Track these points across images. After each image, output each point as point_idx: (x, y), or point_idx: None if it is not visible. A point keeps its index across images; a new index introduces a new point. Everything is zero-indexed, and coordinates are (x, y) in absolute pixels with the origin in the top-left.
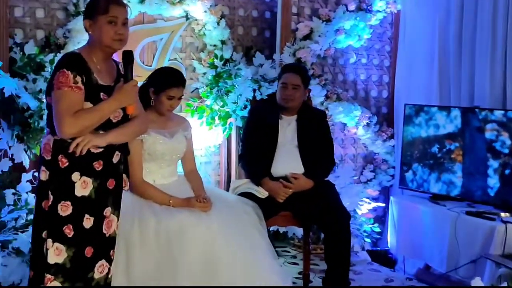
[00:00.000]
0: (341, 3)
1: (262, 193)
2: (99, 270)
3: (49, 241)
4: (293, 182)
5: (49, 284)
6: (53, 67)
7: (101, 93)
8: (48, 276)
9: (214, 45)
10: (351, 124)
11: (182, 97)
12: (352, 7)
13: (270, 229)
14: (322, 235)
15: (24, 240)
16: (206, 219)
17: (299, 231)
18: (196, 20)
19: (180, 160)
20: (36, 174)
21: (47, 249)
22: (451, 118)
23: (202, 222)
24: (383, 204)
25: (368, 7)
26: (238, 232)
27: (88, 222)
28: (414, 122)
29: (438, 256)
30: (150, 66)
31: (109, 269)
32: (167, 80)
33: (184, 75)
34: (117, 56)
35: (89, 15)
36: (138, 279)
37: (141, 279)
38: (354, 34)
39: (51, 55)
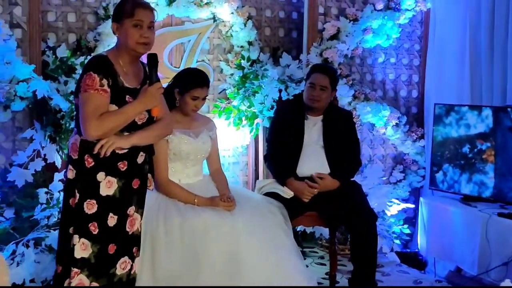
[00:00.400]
0: (369, 2)
1: (287, 193)
2: (122, 266)
3: (76, 236)
4: (319, 182)
5: (75, 277)
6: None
7: (127, 96)
8: (75, 269)
9: (241, 46)
10: (379, 124)
11: (207, 97)
12: (380, 6)
13: (297, 229)
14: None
15: (56, 237)
16: (230, 218)
17: (326, 232)
18: (223, 21)
19: (205, 160)
20: None
21: (73, 244)
22: (483, 118)
23: (226, 221)
24: (413, 205)
25: (397, 6)
26: (263, 232)
27: (112, 220)
28: (445, 122)
29: (469, 258)
30: (178, 67)
31: (131, 265)
32: (192, 81)
33: (212, 76)
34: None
35: (116, 19)
36: (163, 277)
37: (166, 276)
38: (382, 33)
39: (82, 58)
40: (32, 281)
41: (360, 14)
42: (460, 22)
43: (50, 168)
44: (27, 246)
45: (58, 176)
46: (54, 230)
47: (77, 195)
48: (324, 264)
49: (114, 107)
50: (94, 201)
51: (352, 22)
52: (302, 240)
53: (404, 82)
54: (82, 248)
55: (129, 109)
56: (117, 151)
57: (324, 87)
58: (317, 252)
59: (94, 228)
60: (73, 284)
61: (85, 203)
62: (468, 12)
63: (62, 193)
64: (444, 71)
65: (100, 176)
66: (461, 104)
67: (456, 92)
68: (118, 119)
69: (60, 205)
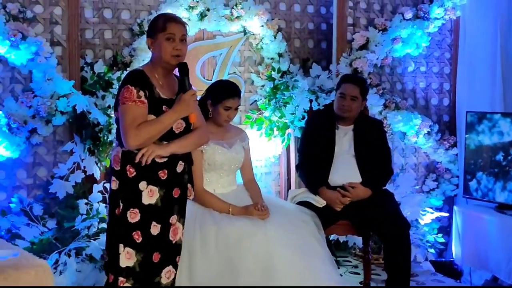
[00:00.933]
0: (398, 11)
1: (320, 202)
2: (167, 275)
3: (121, 246)
4: (351, 191)
5: (122, 286)
6: (120, 84)
7: (164, 106)
8: (121, 278)
9: (272, 58)
10: (411, 133)
11: (239, 108)
12: (409, 15)
13: (331, 239)
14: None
15: (96, 247)
16: (264, 227)
17: (360, 241)
18: (253, 34)
19: (239, 170)
20: (106, 185)
21: (119, 253)
22: None
23: (260, 230)
24: (447, 214)
25: (426, 15)
26: (296, 240)
27: (155, 229)
28: (477, 129)
29: (506, 267)
30: (211, 80)
31: (175, 274)
32: (223, 92)
33: (243, 88)
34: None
35: (150, 34)
36: (200, 284)
37: (203, 284)
38: (412, 42)
39: (118, 73)
40: None
41: (389, 23)
42: (490, 29)
43: (90, 180)
44: (69, 256)
45: (97, 187)
46: (95, 240)
47: (121, 204)
48: (358, 273)
49: (152, 117)
50: (137, 210)
51: (381, 32)
52: (335, 249)
53: (435, 90)
54: (126, 257)
55: (165, 118)
56: (157, 160)
57: (354, 97)
58: (350, 262)
59: (137, 237)
60: None
61: (128, 212)
62: (498, 19)
63: (101, 204)
64: (476, 78)
65: (142, 185)
66: (494, 111)
67: (488, 100)
68: (155, 128)
69: (100, 215)
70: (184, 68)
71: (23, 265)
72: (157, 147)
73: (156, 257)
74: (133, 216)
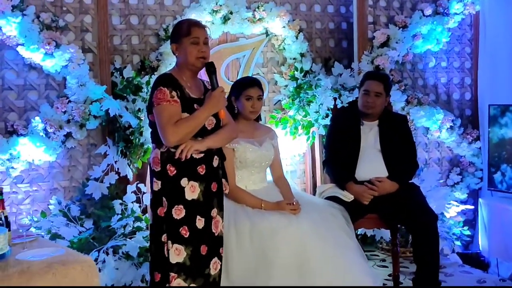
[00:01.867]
0: (417, 8)
1: (347, 196)
2: (214, 266)
3: (169, 243)
4: (377, 185)
5: (173, 282)
6: (149, 88)
7: (195, 104)
8: (172, 274)
9: (294, 58)
10: (434, 128)
11: (262, 98)
12: (428, 11)
13: (358, 233)
14: (410, 238)
15: (132, 245)
16: (296, 221)
17: (387, 235)
18: (275, 35)
19: (268, 168)
20: (140, 185)
21: (168, 250)
22: None
23: (293, 224)
24: (472, 207)
25: (445, 11)
26: (327, 233)
27: (200, 222)
28: (500, 122)
29: None
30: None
31: (221, 265)
32: (242, 83)
33: (267, 88)
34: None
35: (174, 39)
36: (236, 277)
37: (240, 277)
38: (432, 38)
39: (146, 77)
40: (112, 286)
41: (409, 20)
42: (510, 22)
43: (123, 181)
44: (107, 254)
45: (130, 188)
46: (131, 238)
47: (165, 203)
48: (386, 267)
49: (185, 114)
50: (182, 206)
51: (401, 29)
52: (363, 243)
53: (457, 85)
54: (176, 253)
55: (199, 114)
56: (194, 156)
57: (378, 93)
58: (378, 256)
59: (185, 232)
60: None
61: (173, 209)
62: None
63: (134, 204)
64: (497, 72)
65: (184, 182)
66: None
67: (510, 92)
68: (191, 125)
69: (135, 214)
70: (211, 67)
71: (70, 261)
72: (194, 142)
73: (203, 249)
74: (179, 212)
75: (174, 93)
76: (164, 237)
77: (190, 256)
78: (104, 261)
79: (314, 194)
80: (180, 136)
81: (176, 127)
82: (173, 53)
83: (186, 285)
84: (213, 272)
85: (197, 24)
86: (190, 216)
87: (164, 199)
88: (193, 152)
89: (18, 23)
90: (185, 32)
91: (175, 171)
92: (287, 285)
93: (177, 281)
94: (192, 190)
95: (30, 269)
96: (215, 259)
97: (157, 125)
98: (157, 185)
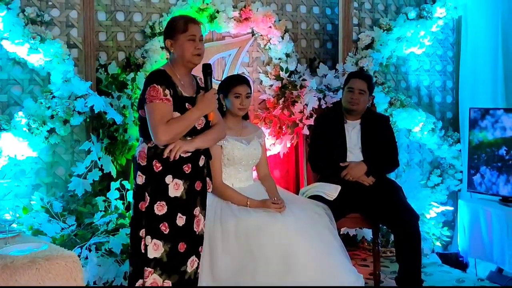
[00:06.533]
0: (401, 12)
1: (330, 195)
2: (191, 264)
3: (148, 237)
4: (346, 171)
5: (149, 277)
6: (134, 85)
7: (186, 103)
8: (149, 269)
9: (279, 58)
10: (416, 130)
11: (250, 95)
12: (412, 15)
13: (341, 232)
14: (392, 238)
15: (115, 242)
16: (281, 218)
17: (368, 235)
18: (261, 35)
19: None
20: (123, 182)
21: (146, 245)
22: None
23: (278, 221)
24: (452, 208)
25: (429, 15)
26: (311, 231)
27: (181, 220)
28: (480, 125)
29: (510, 259)
30: (220, 80)
31: (198, 263)
32: (230, 81)
33: (252, 88)
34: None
35: (170, 36)
36: (221, 274)
37: (224, 273)
38: (416, 41)
39: (132, 74)
40: (94, 283)
41: (393, 23)
42: (491, 27)
43: (107, 178)
44: (90, 250)
45: (114, 185)
46: (114, 235)
47: (148, 198)
48: (367, 266)
49: (176, 114)
50: (164, 203)
51: (385, 31)
52: (345, 243)
53: (438, 88)
54: (154, 249)
55: (191, 115)
56: (181, 155)
57: (362, 90)
58: (359, 255)
59: (165, 228)
60: (147, 284)
61: (155, 205)
62: (499, 17)
63: (118, 201)
64: (478, 75)
65: (168, 179)
66: (496, 107)
67: (490, 96)
68: (183, 124)
69: (119, 211)
70: (208, 69)
71: (53, 257)
72: (183, 143)
73: (181, 247)
74: (160, 208)
75: (167, 91)
76: (142, 232)
77: (167, 252)
78: (86, 258)
79: (297, 193)
80: (171, 135)
81: (168, 127)
82: (166, 49)
83: (161, 280)
84: (189, 269)
85: (193, 21)
86: (172, 213)
87: (146, 194)
88: (181, 152)
89: (3, 16)
90: (182, 29)
91: (161, 168)
92: (271, 282)
93: (152, 276)
94: (176, 188)
95: (14, 264)
96: (193, 257)
97: (148, 123)
98: (141, 179)
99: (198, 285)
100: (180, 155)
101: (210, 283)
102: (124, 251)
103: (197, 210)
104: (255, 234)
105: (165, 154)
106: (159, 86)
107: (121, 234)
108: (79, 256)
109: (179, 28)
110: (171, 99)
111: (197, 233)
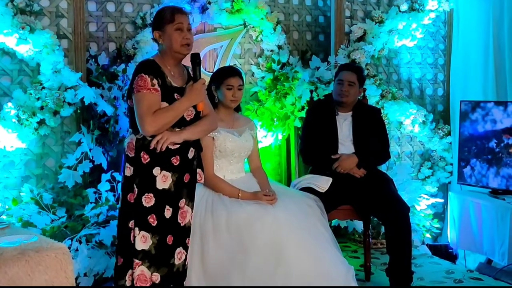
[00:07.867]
0: (393, 4)
1: (321, 187)
2: (178, 256)
3: (136, 229)
4: (338, 163)
5: (136, 268)
6: (125, 76)
7: (175, 94)
8: (136, 261)
9: (271, 50)
10: (407, 122)
11: (242, 87)
12: (404, 7)
13: (332, 224)
14: (382, 230)
15: (106, 233)
16: (273, 210)
17: (359, 227)
18: (253, 27)
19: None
20: (114, 174)
21: (134, 237)
22: (508, 113)
23: (269, 213)
24: (442, 200)
25: (421, 7)
26: (303, 223)
27: (168, 212)
28: (471, 118)
29: (499, 250)
30: (212, 72)
31: (186, 256)
32: (223, 73)
33: (244, 80)
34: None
35: (157, 27)
36: (212, 266)
37: (215, 266)
38: (407, 34)
39: (122, 65)
40: (85, 274)
41: (386, 16)
42: (483, 20)
43: (98, 169)
44: (80, 242)
45: (105, 176)
46: (104, 227)
47: (136, 190)
48: (358, 257)
49: (165, 104)
50: (152, 195)
51: (378, 24)
52: (336, 235)
53: (430, 80)
54: (142, 241)
55: (179, 105)
56: (170, 147)
57: (352, 82)
58: (350, 247)
59: (153, 220)
60: (135, 275)
61: (143, 197)
62: (491, 10)
63: (109, 193)
64: (469, 68)
65: (156, 171)
66: (487, 100)
67: (481, 89)
68: (170, 115)
69: (109, 203)
70: (196, 59)
71: (43, 248)
72: (171, 134)
73: (169, 239)
74: (148, 200)
75: (155, 81)
76: (131, 223)
77: (156, 244)
78: (77, 250)
79: (288, 185)
80: (158, 126)
81: (155, 117)
82: (155, 41)
83: (149, 272)
84: (177, 262)
85: (180, 11)
86: (159, 205)
87: (135, 185)
88: (169, 144)
89: None
90: (169, 19)
91: (149, 159)
92: (263, 274)
93: (140, 268)
94: (163, 180)
95: (3, 256)
96: (180, 248)
97: (135, 113)
98: (130, 171)
99: (188, 277)
100: (168, 147)
101: (201, 275)
102: (114, 243)
103: (182, 202)
104: (246, 226)
105: (152, 145)
106: (147, 76)
107: (111, 226)
108: (69, 248)
109: (166, 19)
110: (159, 89)
111: (182, 224)
